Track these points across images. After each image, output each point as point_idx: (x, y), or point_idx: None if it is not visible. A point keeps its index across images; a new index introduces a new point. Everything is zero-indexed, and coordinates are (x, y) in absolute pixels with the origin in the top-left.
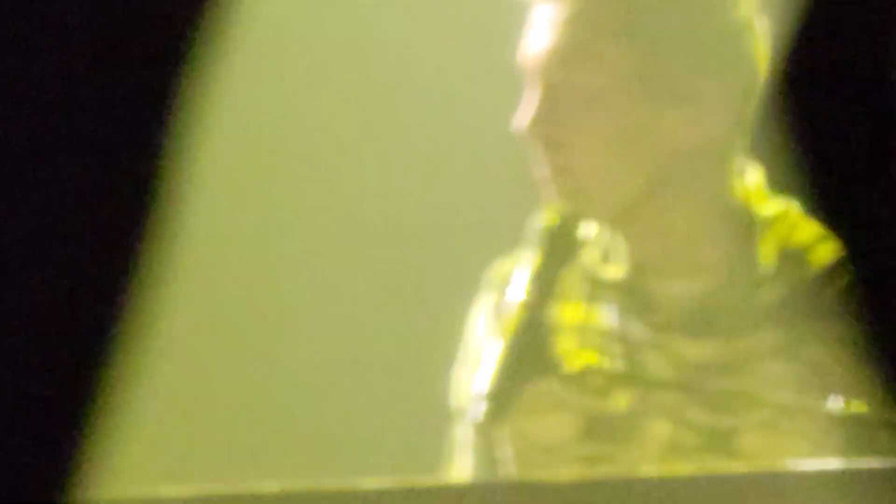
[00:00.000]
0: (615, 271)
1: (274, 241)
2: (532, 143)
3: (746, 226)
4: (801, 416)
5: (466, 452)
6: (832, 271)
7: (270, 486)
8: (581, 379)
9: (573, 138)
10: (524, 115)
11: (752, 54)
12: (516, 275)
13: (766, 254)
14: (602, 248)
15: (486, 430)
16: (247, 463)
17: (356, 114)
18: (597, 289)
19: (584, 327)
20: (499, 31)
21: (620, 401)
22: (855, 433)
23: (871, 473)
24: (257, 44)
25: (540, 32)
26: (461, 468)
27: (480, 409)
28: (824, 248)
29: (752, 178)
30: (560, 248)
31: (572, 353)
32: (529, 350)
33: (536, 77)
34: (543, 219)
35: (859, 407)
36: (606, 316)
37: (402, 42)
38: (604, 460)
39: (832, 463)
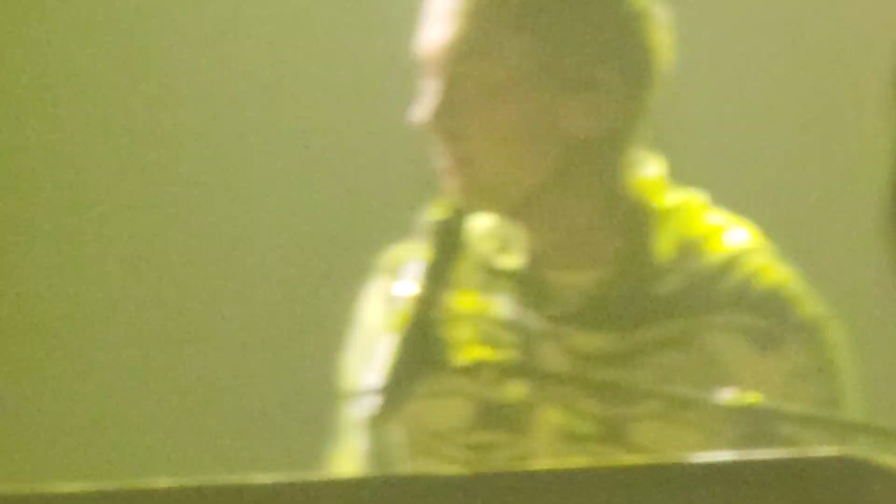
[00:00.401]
0: (511, 261)
1: (162, 223)
2: (432, 135)
3: (644, 217)
4: (694, 407)
5: (357, 439)
6: (729, 262)
7: (163, 481)
8: (474, 371)
9: (474, 130)
10: (424, 106)
11: (650, 44)
12: (409, 265)
13: (664, 245)
14: (499, 238)
15: (379, 423)
16: (135, 457)
17: (246, 101)
18: (492, 279)
19: (480, 317)
20: (394, 20)
21: (514, 390)
22: (748, 424)
23: (765, 465)
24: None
25: (438, 24)
26: (351, 453)
27: (373, 404)
28: (722, 239)
29: (652, 170)
30: (452, 240)
31: (467, 345)
32: (422, 344)
33: (436, 68)
34: (436, 211)
35: (753, 398)
36: (502, 306)
37: (292, 33)
38: (496, 448)
39: (725, 455)
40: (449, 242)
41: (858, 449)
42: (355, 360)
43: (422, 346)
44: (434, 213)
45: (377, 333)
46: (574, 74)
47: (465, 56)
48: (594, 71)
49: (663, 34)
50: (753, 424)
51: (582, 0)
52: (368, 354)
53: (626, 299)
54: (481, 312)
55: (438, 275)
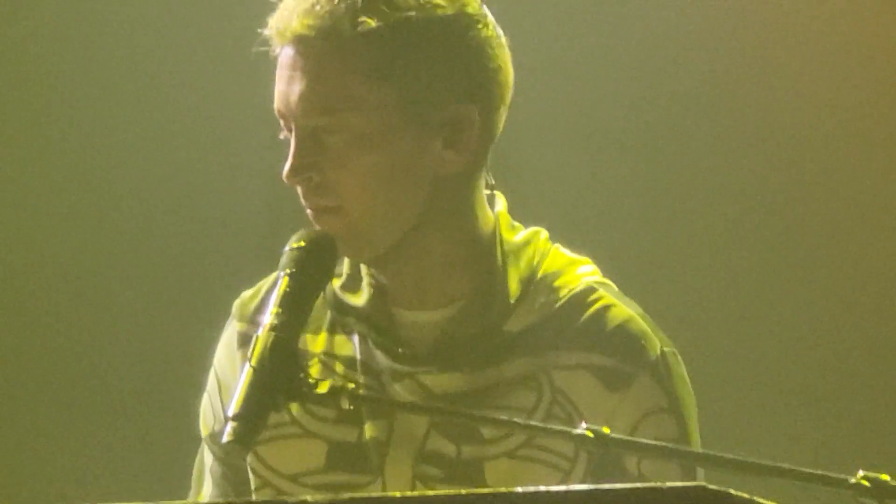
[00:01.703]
0: (358, 299)
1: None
2: (298, 189)
3: (493, 254)
4: (546, 444)
5: (207, 485)
6: (578, 298)
7: None
8: (330, 399)
9: (340, 181)
10: (288, 162)
11: (497, 68)
12: (265, 299)
13: (513, 282)
14: (345, 275)
15: (234, 451)
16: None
17: (123, 142)
18: (339, 317)
19: (328, 355)
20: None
21: (365, 431)
22: (599, 457)
23: (625, 495)
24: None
25: (293, 78)
26: (207, 494)
27: (229, 430)
28: (572, 276)
29: (498, 205)
30: (310, 271)
31: (318, 380)
32: (277, 373)
33: (294, 123)
34: (294, 241)
35: (604, 429)
36: (350, 345)
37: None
38: (348, 490)
39: (583, 486)
40: (308, 271)
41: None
42: (207, 406)
43: (276, 374)
44: (294, 241)
45: (226, 379)
46: (435, 114)
47: (324, 110)
48: (454, 107)
49: (507, 55)
50: (604, 457)
51: (430, 39)
52: (219, 400)
53: (477, 338)
54: (329, 351)
55: (295, 303)
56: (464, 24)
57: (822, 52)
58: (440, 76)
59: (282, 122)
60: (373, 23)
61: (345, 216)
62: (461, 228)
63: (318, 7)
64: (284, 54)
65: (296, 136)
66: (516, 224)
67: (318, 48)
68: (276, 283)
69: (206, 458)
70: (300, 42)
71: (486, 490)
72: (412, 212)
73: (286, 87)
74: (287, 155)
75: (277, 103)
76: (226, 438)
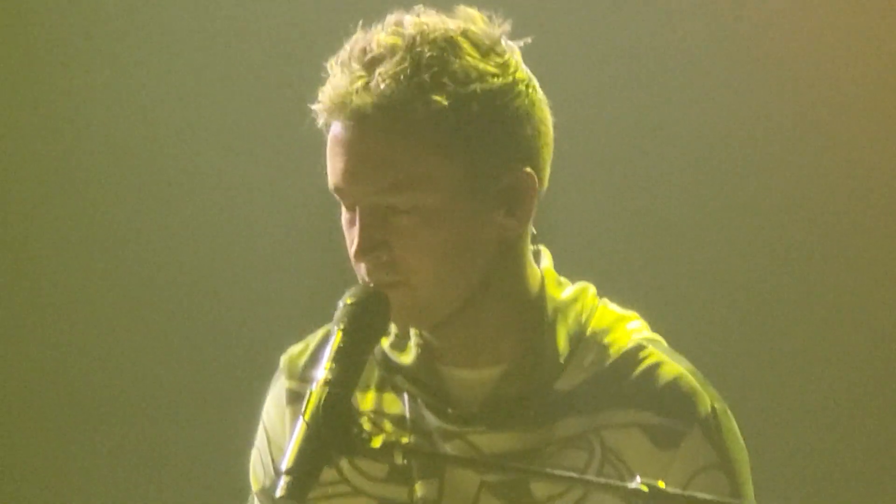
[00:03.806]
0: (406, 357)
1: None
2: (361, 266)
3: (542, 311)
4: (603, 492)
5: None
6: (628, 356)
7: None
8: (380, 456)
9: (407, 258)
10: (355, 243)
11: (543, 128)
12: (315, 354)
13: (562, 339)
14: (394, 333)
15: None
16: None
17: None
18: (388, 375)
19: (377, 414)
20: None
21: (416, 490)
22: None
23: None
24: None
25: (356, 156)
26: None
27: (282, 485)
28: (621, 332)
29: (544, 262)
30: (364, 325)
31: (371, 435)
32: (330, 428)
33: (359, 202)
34: (348, 297)
35: (659, 483)
36: (399, 404)
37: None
38: None
39: None
40: (362, 325)
41: None
42: (257, 461)
43: (330, 428)
44: (349, 296)
45: (276, 435)
46: (496, 183)
47: (395, 189)
48: (513, 174)
49: (548, 113)
50: None
51: (491, 110)
52: (269, 456)
53: (527, 397)
54: (378, 409)
55: (348, 358)
56: (516, 91)
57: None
58: (500, 145)
59: (338, 197)
60: (444, 101)
61: (411, 291)
62: (513, 289)
63: (382, 85)
64: (341, 129)
65: (361, 215)
66: (563, 280)
67: (384, 126)
68: (329, 338)
69: None
70: (362, 119)
71: None
72: (475, 280)
73: (348, 166)
74: (344, 218)
75: (337, 180)
76: (279, 493)
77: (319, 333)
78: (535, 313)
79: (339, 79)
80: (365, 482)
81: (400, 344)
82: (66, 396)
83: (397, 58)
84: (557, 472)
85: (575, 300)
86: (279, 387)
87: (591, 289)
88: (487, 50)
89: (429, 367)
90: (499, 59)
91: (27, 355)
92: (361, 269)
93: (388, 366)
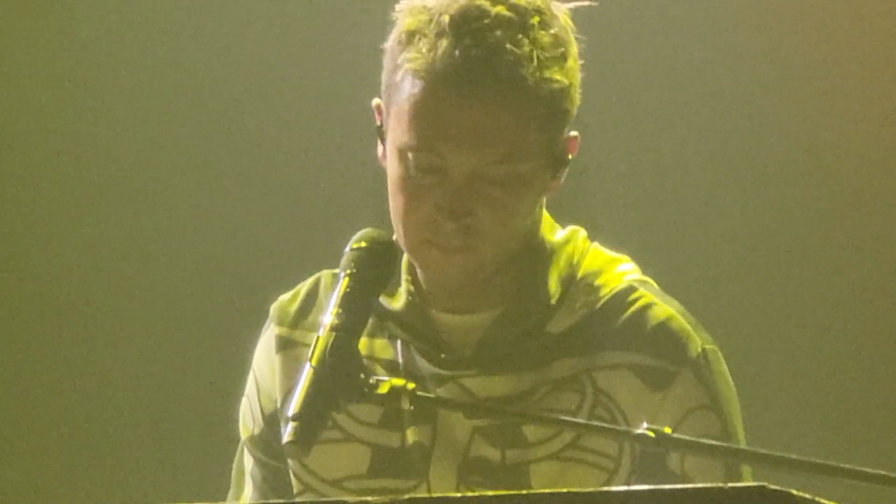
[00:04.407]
0: (395, 302)
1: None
2: (440, 218)
3: (536, 255)
4: (591, 444)
5: (251, 481)
6: (619, 298)
7: None
8: (387, 402)
9: (487, 224)
10: (440, 192)
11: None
12: (305, 302)
13: (554, 283)
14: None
15: (295, 451)
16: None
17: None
18: (380, 320)
19: (369, 359)
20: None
21: (408, 436)
22: (649, 457)
23: (686, 495)
24: None
25: (461, 121)
26: (248, 497)
27: (289, 430)
28: (612, 274)
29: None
30: (370, 271)
31: (379, 380)
32: (337, 374)
33: (455, 165)
34: (355, 241)
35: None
36: (390, 349)
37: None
38: (393, 495)
39: (644, 487)
40: (369, 271)
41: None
42: (247, 409)
43: (336, 374)
44: (356, 240)
45: (265, 382)
46: (558, 154)
47: (502, 159)
48: (559, 139)
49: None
50: (648, 456)
51: (577, 82)
52: (258, 403)
53: (519, 340)
54: (370, 355)
55: (355, 303)
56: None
57: None
58: (571, 115)
59: (418, 156)
60: (564, 80)
61: (476, 254)
62: (529, 240)
63: (503, 57)
64: (446, 94)
65: (456, 180)
66: (555, 224)
67: (500, 98)
68: (337, 282)
69: (246, 460)
70: (478, 89)
71: (545, 491)
72: (523, 240)
73: (453, 132)
74: (405, 176)
75: (432, 142)
76: (286, 439)
77: (310, 281)
78: (531, 258)
79: (445, 44)
80: (357, 428)
81: (390, 290)
82: (66, 396)
83: (513, 30)
84: (557, 416)
85: (566, 242)
86: (268, 334)
87: (582, 232)
88: (566, 22)
89: (420, 312)
90: (573, 32)
91: (26, 352)
92: (420, 230)
93: (379, 312)
